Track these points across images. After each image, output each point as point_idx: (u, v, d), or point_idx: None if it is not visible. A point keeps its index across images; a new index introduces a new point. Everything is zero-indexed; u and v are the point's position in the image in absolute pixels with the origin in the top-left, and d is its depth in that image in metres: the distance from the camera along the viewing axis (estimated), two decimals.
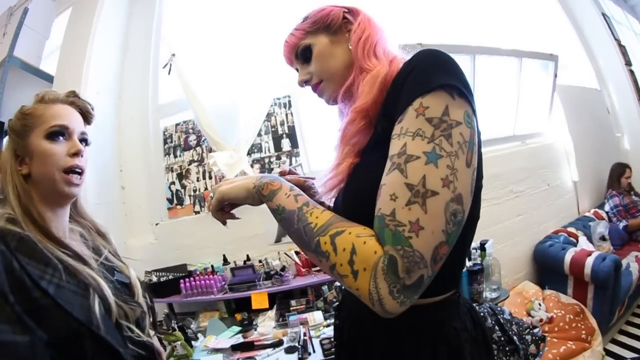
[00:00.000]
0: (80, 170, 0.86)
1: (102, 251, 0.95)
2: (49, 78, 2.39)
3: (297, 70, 0.81)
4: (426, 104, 0.52)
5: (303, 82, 0.79)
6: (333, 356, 1.43)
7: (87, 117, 0.95)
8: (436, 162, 0.50)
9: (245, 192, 0.66)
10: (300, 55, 0.77)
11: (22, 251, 0.75)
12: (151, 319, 0.98)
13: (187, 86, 2.22)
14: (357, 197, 0.63)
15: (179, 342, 1.68)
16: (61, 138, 0.85)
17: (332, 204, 0.77)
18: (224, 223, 0.74)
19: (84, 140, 0.91)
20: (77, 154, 0.85)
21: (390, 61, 0.67)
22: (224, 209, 0.72)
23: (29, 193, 0.83)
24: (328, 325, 1.69)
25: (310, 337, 1.63)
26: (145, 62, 2.57)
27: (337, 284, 1.87)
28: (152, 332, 0.96)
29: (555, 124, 3.27)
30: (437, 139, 0.51)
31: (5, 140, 0.89)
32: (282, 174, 0.83)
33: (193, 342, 1.80)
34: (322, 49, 0.73)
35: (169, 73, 2.32)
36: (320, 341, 1.57)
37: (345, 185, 0.68)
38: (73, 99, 0.91)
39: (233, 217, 0.74)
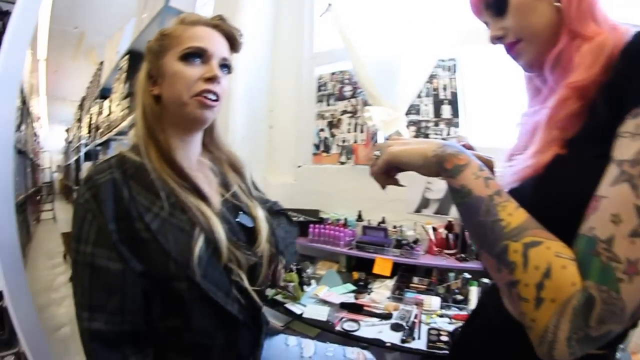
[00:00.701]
0: (215, 95, 0.79)
1: (231, 187, 0.90)
2: None
3: (486, 23, 0.66)
4: None
5: (495, 39, 0.62)
6: (436, 350, 1.32)
7: (233, 43, 0.86)
8: None
9: (422, 160, 0.56)
10: (494, 4, 0.61)
11: (136, 179, 0.73)
12: (273, 267, 0.91)
13: (345, 36, 2.15)
14: (555, 200, 0.49)
15: (292, 284, 1.75)
16: (197, 60, 0.78)
17: None
18: (384, 187, 0.64)
19: (225, 66, 0.83)
20: (212, 79, 0.77)
21: (612, 29, 0.51)
22: (389, 172, 0.62)
23: (158, 115, 0.80)
24: (442, 316, 1.54)
25: (420, 322, 1.50)
26: (300, 9, 2.59)
27: (467, 274, 1.67)
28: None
29: None
30: None
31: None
32: (466, 147, 0.69)
33: (305, 287, 1.86)
34: (522, 0, 0.57)
35: (325, 22, 2.29)
36: (429, 330, 1.44)
37: (540, 180, 0.52)
38: (217, 22, 0.83)
39: (397, 183, 0.64)
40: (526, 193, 0.53)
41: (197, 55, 0.78)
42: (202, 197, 0.79)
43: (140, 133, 0.78)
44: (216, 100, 0.79)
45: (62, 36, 6.21)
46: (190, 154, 0.85)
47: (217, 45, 0.81)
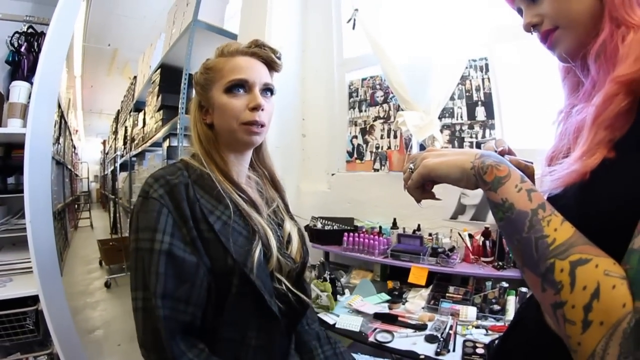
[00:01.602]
0: (260, 124, 0.87)
1: (272, 203, 0.99)
2: (232, 36, 2.65)
3: (519, 11, 0.62)
4: None
5: (530, 27, 0.58)
6: None
7: (272, 65, 0.93)
8: None
9: (459, 172, 0.54)
10: None
11: (199, 185, 0.82)
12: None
13: (374, 41, 2.13)
14: (602, 210, 0.44)
15: (325, 294, 1.73)
16: (241, 91, 0.86)
17: None
18: (419, 201, 0.62)
19: (268, 90, 0.91)
20: (256, 108, 0.85)
21: None
22: (425, 186, 0.60)
23: (212, 139, 0.90)
24: (478, 327, 1.47)
25: (455, 333, 1.44)
26: (327, 17, 2.60)
27: (504, 283, 1.60)
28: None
29: None
30: None
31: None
32: (502, 153, 0.65)
33: (338, 296, 1.83)
34: None
35: (353, 28, 2.28)
36: (464, 342, 1.37)
37: (585, 186, 0.48)
38: (255, 50, 0.90)
39: (433, 197, 0.62)
40: (570, 200, 0.50)
41: (240, 86, 0.86)
42: (257, 209, 0.89)
43: (200, 152, 0.88)
44: (262, 127, 0.88)
45: (96, 53, 6.57)
46: (242, 170, 0.95)
47: (257, 73, 0.88)
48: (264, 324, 0.83)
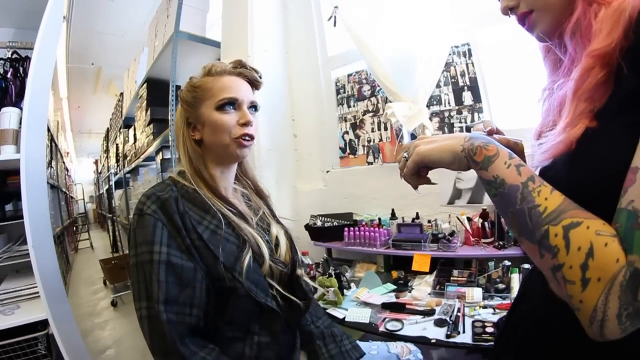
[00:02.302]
0: (250, 136, 0.94)
1: (258, 211, 1.05)
2: (215, 44, 2.66)
3: None
4: None
5: (507, 10, 0.61)
6: (482, 343, 1.26)
7: (255, 84, 1.02)
8: None
9: (451, 156, 0.57)
10: None
11: (187, 199, 0.88)
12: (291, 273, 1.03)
13: (356, 36, 2.16)
14: (590, 176, 0.47)
15: (332, 289, 1.75)
16: (231, 108, 0.93)
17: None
18: (416, 187, 0.65)
19: (253, 107, 0.99)
20: (246, 124, 0.93)
21: None
22: (420, 172, 0.63)
23: (200, 155, 0.95)
24: (485, 307, 1.50)
25: (464, 315, 1.46)
26: (308, 16, 2.62)
27: (506, 262, 1.63)
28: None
29: None
30: None
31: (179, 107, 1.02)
32: (490, 133, 0.67)
33: (345, 291, 1.85)
34: None
35: (334, 25, 2.30)
36: (473, 322, 1.38)
37: (572, 156, 0.51)
38: (240, 70, 0.98)
39: (429, 182, 0.65)
40: (559, 170, 0.53)
41: (230, 104, 0.93)
42: (245, 219, 0.95)
43: (189, 170, 0.94)
44: (251, 140, 0.95)
45: (80, 73, 6.52)
46: (229, 184, 1.02)
47: (244, 91, 0.96)
48: (265, 321, 0.89)
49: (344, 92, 2.48)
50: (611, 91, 0.48)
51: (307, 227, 2.30)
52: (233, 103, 0.94)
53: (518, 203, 0.49)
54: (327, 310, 1.70)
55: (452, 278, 1.77)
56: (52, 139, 3.89)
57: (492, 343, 1.25)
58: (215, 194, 0.93)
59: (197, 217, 0.86)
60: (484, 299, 1.56)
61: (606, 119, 0.48)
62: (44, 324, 1.82)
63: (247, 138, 0.94)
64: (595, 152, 0.48)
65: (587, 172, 0.48)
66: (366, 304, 1.71)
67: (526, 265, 1.53)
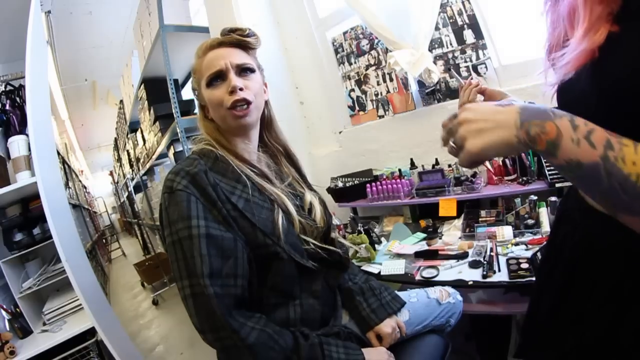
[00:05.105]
0: (243, 102, 0.90)
1: (286, 178, 1.04)
2: (203, 30, 2.61)
3: None
4: None
5: None
6: (519, 279, 1.26)
7: (244, 45, 0.96)
8: None
9: (509, 149, 0.50)
10: None
11: (216, 170, 0.87)
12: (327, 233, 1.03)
13: None
14: (620, 82, 0.43)
15: (363, 245, 1.76)
16: (219, 81, 0.91)
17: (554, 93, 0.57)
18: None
19: (246, 69, 0.94)
20: (233, 90, 0.89)
21: None
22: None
23: (217, 130, 0.96)
24: (517, 244, 1.49)
25: (497, 254, 1.46)
26: None
27: (533, 197, 1.59)
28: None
29: None
30: None
31: None
32: (482, 91, 0.65)
33: (376, 246, 1.86)
34: None
35: None
36: (507, 260, 1.38)
37: (596, 63, 0.46)
38: (222, 39, 0.94)
39: (484, 163, 0.64)
40: (586, 83, 0.49)
41: (216, 77, 0.91)
42: (269, 180, 0.95)
43: (212, 140, 0.95)
44: (247, 106, 0.90)
45: (76, 92, 6.54)
46: (251, 151, 0.99)
47: (227, 59, 0.91)
48: (306, 282, 0.91)
49: (343, 51, 2.43)
50: None
51: (329, 189, 2.31)
52: (219, 76, 0.91)
53: (605, 182, 0.42)
54: (362, 268, 1.72)
55: (480, 219, 1.76)
56: (64, 162, 3.97)
57: (529, 279, 1.25)
58: (237, 157, 0.92)
59: (228, 187, 0.86)
60: (514, 236, 1.56)
61: (628, 21, 0.44)
62: (92, 333, 1.92)
63: (239, 105, 0.89)
64: (623, 57, 0.44)
65: (616, 79, 0.44)
66: (399, 256, 1.73)
67: (553, 198, 1.51)
